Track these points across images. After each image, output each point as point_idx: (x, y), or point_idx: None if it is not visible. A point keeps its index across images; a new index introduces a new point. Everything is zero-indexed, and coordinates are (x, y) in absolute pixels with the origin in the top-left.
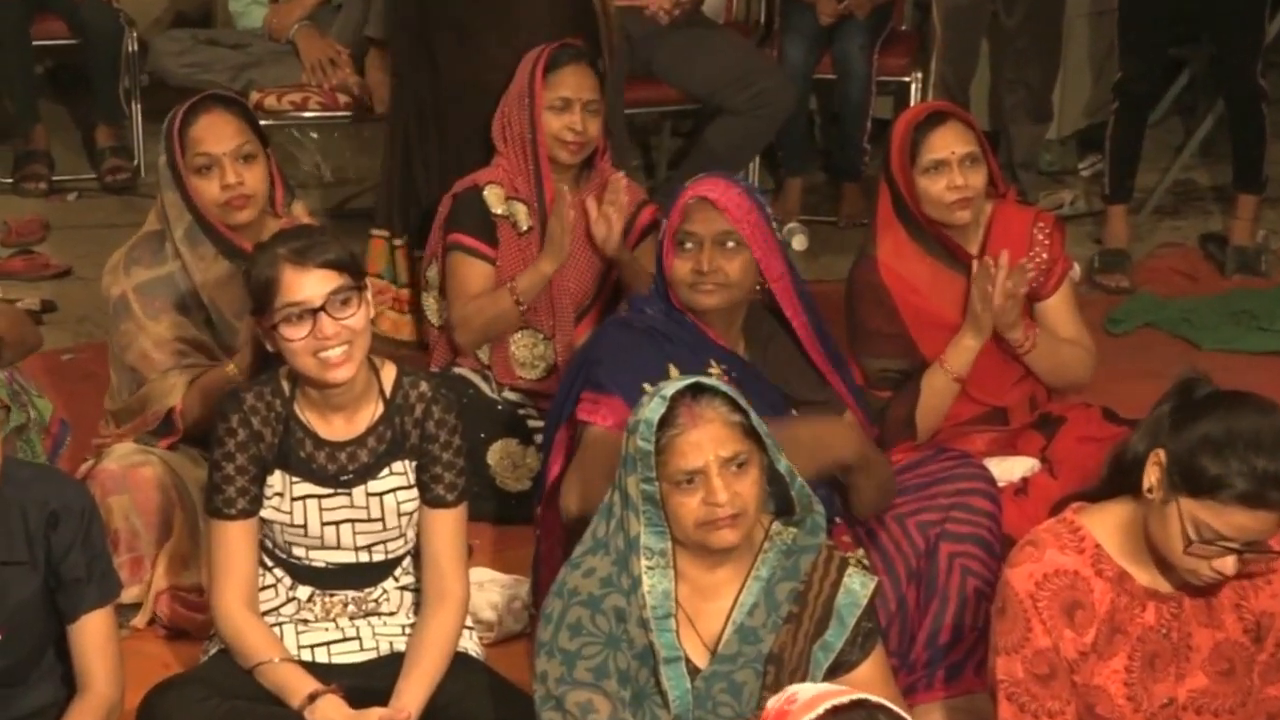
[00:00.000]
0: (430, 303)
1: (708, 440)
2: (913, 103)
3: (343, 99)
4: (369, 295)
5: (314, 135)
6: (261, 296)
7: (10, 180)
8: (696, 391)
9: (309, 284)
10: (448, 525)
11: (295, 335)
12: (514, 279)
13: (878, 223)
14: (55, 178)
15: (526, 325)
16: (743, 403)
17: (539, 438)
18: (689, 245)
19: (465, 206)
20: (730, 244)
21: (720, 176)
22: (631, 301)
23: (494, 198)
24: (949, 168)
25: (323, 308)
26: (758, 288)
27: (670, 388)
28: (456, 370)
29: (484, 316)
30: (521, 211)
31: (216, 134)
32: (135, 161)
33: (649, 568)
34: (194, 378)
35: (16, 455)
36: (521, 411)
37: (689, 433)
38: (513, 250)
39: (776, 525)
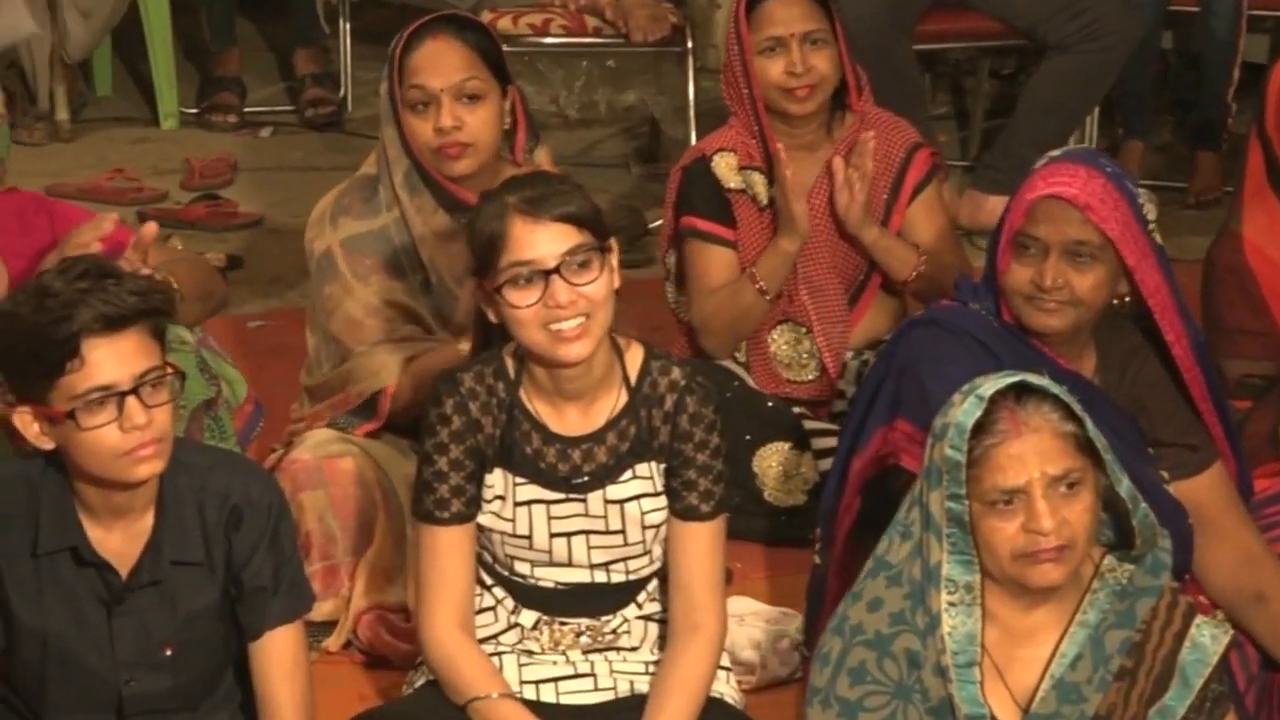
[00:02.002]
0: (671, 293)
1: (1033, 453)
2: None
3: (591, 23)
4: (614, 260)
5: (556, 65)
6: (485, 253)
7: (195, 111)
8: (1021, 393)
9: (542, 241)
10: (702, 543)
11: (522, 301)
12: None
13: (1245, 193)
14: (247, 109)
15: (786, 317)
16: (1077, 409)
17: (818, 442)
18: (1031, 251)
19: (695, 181)
20: (1083, 256)
21: (1080, 160)
22: (958, 284)
23: (726, 168)
24: None
25: (557, 270)
26: (1121, 299)
27: (989, 386)
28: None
29: (727, 315)
30: (759, 182)
31: (437, 65)
32: (341, 92)
33: (951, 604)
34: (412, 356)
35: (204, 437)
36: (797, 410)
37: (1010, 443)
38: (755, 229)
39: (1110, 561)
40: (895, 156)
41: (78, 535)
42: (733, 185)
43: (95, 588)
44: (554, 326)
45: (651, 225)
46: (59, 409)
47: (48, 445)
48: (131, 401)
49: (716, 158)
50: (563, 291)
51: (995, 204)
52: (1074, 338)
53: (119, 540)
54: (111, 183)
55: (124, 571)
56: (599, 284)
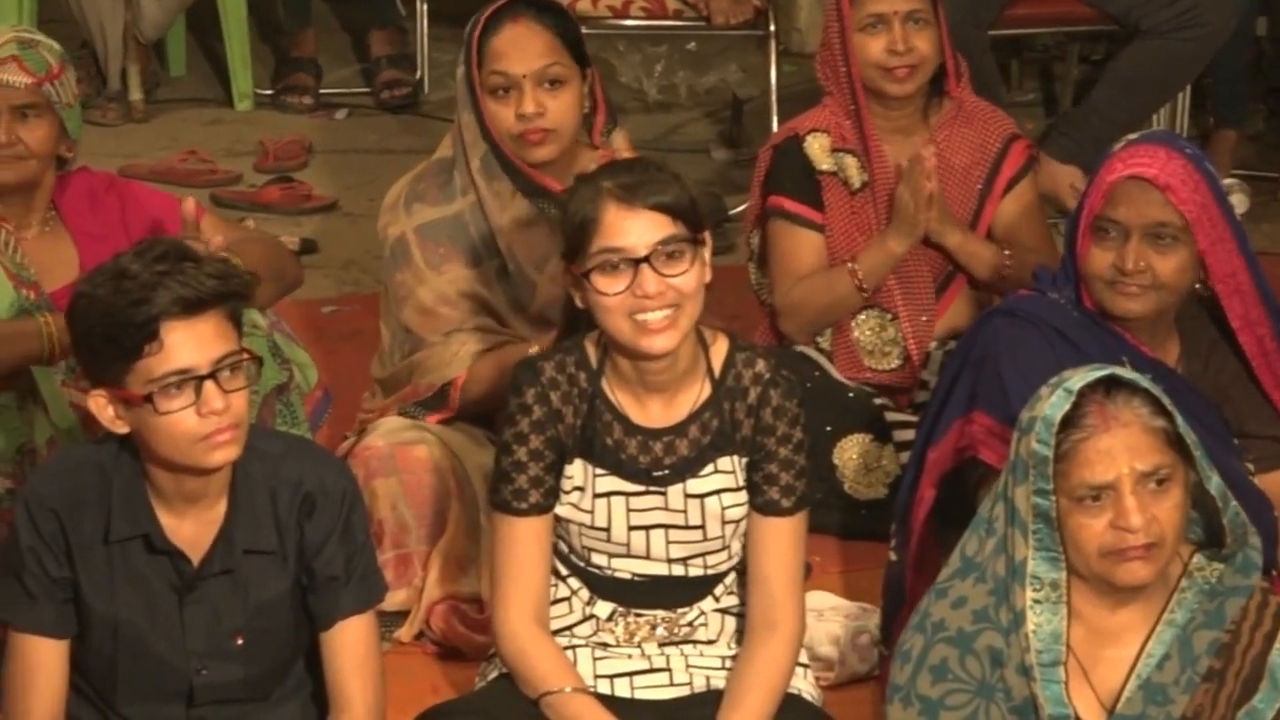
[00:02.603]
0: (754, 275)
1: (1122, 448)
2: None
3: (672, 5)
4: (706, 253)
5: (635, 47)
6: (576, 237)
7: (270, 92)
8: (1111, 387)
9: (634, 228)
10: (782, 537)
11: (610, 289)
12: (851, 253)
13: None
14: (322, 91)
15: (872, 304)
16: (1168, 404)
17: (899, 434)
18: (1111, 234)
19: (785, 161)
20: (1165, 238)
21: (1161, 141)
22: (1036, 274)
23: (818, 149)
24: None
25: (647, 259)
26: (1204, 285)
27: (1077, 379)
28: (797, 347)
29: (816, 304)
30: (852, 165)
31: (520, 50)
32: (418, 74)
33: (1036, 601)
34: (486, 348)
35: (275, 422)
36: (878, 401)
37: (1099, 437)
38: (843, 213)
39: (1199, 559)
40: (991, 147)
41: (150, 522)
42: (824, 167)
43: (167, 575)
44: (640, 317)
45: (732, 211)
46: (135, 392)
47: (122, 429)
48: (209, 386)
49: (809, 138)
50: (651, 281)
51: (1060, 171)
52: (1156, 324)
53: (191, 528)
54: (184, 164)
55: (196, 559)
56: (689, 276)
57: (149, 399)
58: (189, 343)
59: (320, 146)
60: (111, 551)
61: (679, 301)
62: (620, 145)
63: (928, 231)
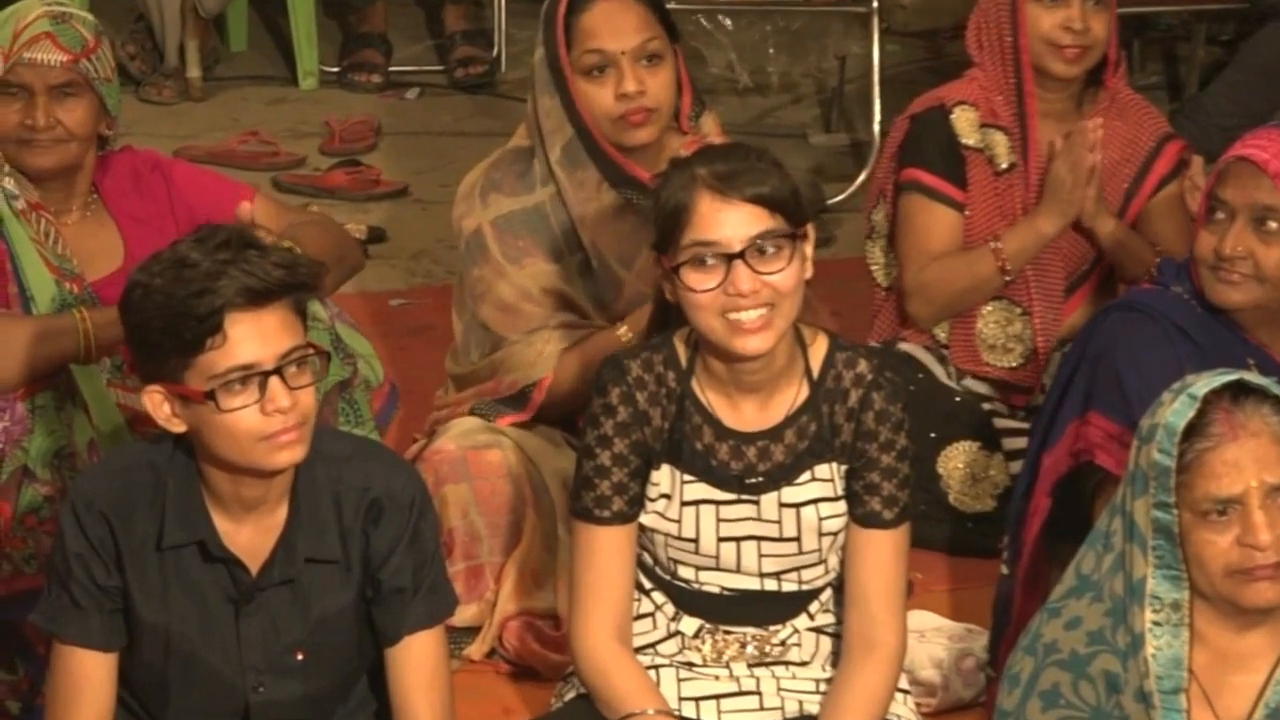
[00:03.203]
0: (876, 255)
1: (1250, 459)
2: None
3: None
4: (808, 248)
5: (728, 24)
6: (667, 226)
7: (336, 70)
8: (1238, 393)
9: (730, 221)
10: (883, 552)
11: (702, 285)
12: (994, 235)
13: None
14: (391, 69)
15: (1000, 295)
16: None
17: (1009, 442)
18: (1219, 215)
19: (927, 132)
20: (1272, 224)
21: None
22: (1160, 265)
23: (965, 123)
24: None
25: (741, 254)
26: None
27: (1202, 385)
28: (902, 346)
29: (954, 285)
30: (1000, 143)
31: (615, 26)
32: (495, 51)
33: (1155, 623)
34: (571, 345)
35: (338, 422)
36: (987, 407)
37: (1225, 447)
38: (986, 194)
39: None
40: (1144, 145)
41: (206, 528)
42: (970, 142)
43: (223, 585)
44: (733, 316)
45: (831, 201)
46: (196, 389)
47: (179, 428)
48: (275, 382)
49: (956, 110)
50: (745, 279)
51: None
52: (1274, 321)
53: (250, 534)
54: (245, 146)
55: (254, 568)
56: (787, 274)
57: (210, 396)
58: (254, 336)
59: (389, 128)
60: (164, 558)
61: (775, 300)
62: (710, 130)
63: (1081, 215)
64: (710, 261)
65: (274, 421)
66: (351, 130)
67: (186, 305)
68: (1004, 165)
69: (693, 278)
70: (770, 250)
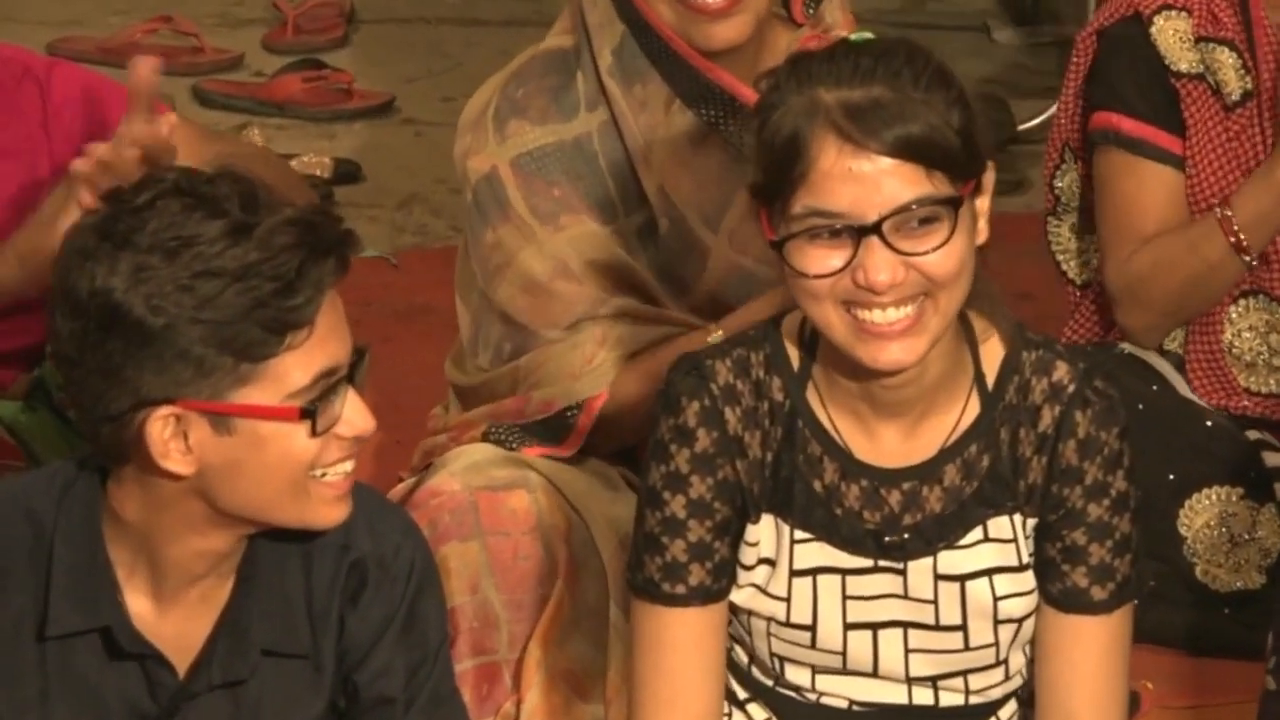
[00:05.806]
0: (1065, 238)
1: None
2: None
3: None
4: (983, 204)
5: None
6: (774, 174)
7: None
8: None
9: (864, 181)
10: (1093, 648)
11: (815, 266)
12: (1222, 195)
13: None
14: None
15: (1254, 288)
16: None
17: None
18: None
19: (1121, 55)
20: None
21: None
22: None
23: (1173, 37)
24: None
25: (877, 227)
26: None
27: None
28: (1124, 346)
29: (1174, 277)
30: (1229, 63)
31: None
32: None
33: None
34: (636, 351)
35: None
36: (1253, 435)
37: None
38: (1214, 138)
39: None
40: None
41: (112, 609)
42: (1183, 67)
43: (134, 693)
44: (863, 315)
45: (1023, 126)
46: (278, 407)
47: (186, 470)
48: (352, 391)
49: (1159, 19)
50: (884, 265)
51: None
52: None
53: (180, 617)
54: (152, 38)
55: (182, 666)
56: (947, 253)
57: (308, 414)
58: (337, 327)
59: (366, 13)
60: (46, 653)
61: (929, 290)
62: (836, 20)
63: None
64: (832, 235)
65: (341, 448)
66: (311, 15)
67: (271, 288)
68: (1237, 95)
69: (804, 256)
70: (923, 220)
